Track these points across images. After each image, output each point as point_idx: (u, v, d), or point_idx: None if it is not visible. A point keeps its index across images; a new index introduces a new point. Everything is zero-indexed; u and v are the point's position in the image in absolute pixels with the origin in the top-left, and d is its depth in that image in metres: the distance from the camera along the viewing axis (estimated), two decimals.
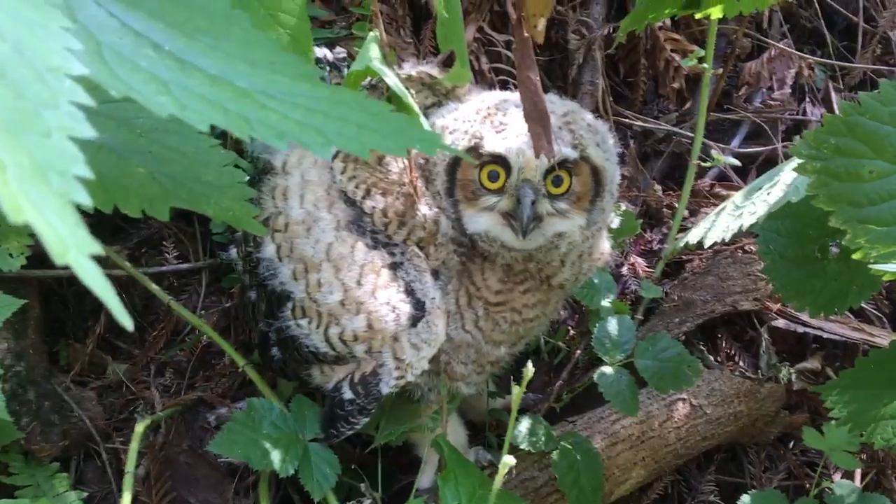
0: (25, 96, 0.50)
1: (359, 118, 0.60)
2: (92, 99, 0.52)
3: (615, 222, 1.52)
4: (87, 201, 0.48)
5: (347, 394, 1.38)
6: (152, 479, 1.67)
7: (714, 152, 2.11)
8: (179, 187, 0.88)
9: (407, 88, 1.19)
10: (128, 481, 1.51)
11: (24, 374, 1.67)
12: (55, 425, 1.68)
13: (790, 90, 2.46)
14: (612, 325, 1.66)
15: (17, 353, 1.68)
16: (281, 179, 1.41)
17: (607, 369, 1.60)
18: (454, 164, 1.30)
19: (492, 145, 1.26)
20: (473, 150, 1.28)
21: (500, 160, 1.26)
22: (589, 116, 1.35)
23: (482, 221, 1.30)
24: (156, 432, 1.74)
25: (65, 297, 1.90)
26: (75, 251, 0.44)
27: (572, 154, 1.26)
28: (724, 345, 2.01)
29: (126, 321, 0.47)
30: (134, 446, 1.57)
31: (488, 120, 1.29)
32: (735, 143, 2.43)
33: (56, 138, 0.49)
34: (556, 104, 1.33)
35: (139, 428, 1.61)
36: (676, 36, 2.39)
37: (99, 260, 0.46)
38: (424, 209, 1.32)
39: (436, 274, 1.35)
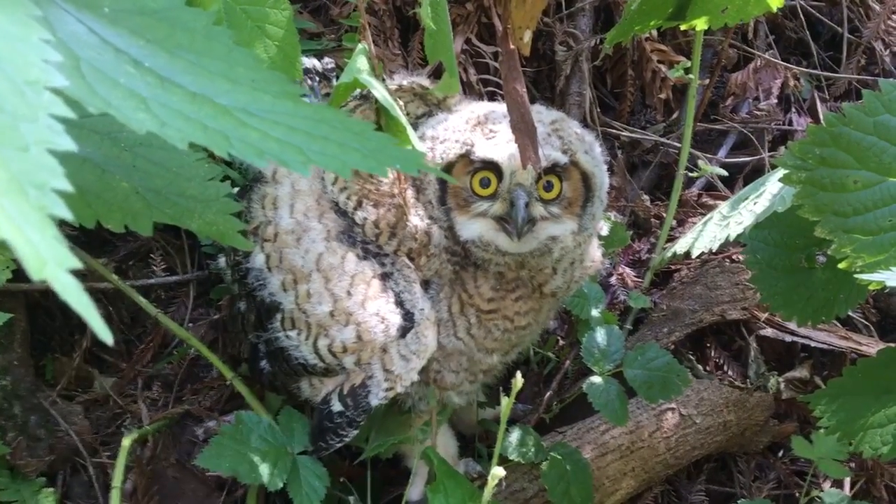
0: (3, 110, 0.49)
1: (340, 137, 0.60)
2: (74, 112, 0.52)
3: (604, 229, 1.53)
4: (66, 214, 0.47)
5: (336, 406, 1.38)
6: (139, 494, 1.65)
7: (701, 162, 2.12)
8: (163, 202, 0.87)
9: (397, 99, 1.19)
10: (115, 496, 1.50)
11: (9, 388, 1.66)
12: (41, 440, 1.67)
13: (776, 100, 2.48)
14: (601, 335, 1.66)
15: (2, 368, 1.67)
16: (271, 188, 1.41)
17: (596, 379, 1.60)
18: (445, 171, 1.31)
19: (483, 152, 1.27)
20: (465, 157, 1.29)
21: (491, 166, 1.27)
22: (576, 125, 1.37)
23: (475, 228, 1.30)
24: (143, 446, 1.73)
25: (51, 311, 1.88)
26: (53, 266, 0.44)
27: (562, 158, 1.28)
28: (712, 354, 2.01)
29: (106, 336, 0.46)
30: (121, 461, 1.55)
31: (479, 128, 1.30)
32: (722, 153, 2.44)
33: (34, 152, 0.48)
34: (543, 113, 1.35)
35: (126, 442, 1.59)
36: (663, 47, 2.41)
37: (84, 273, 0.46)
38: (415, 220, 1.32)
39: (426, 284, 1.35)
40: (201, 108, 0.56)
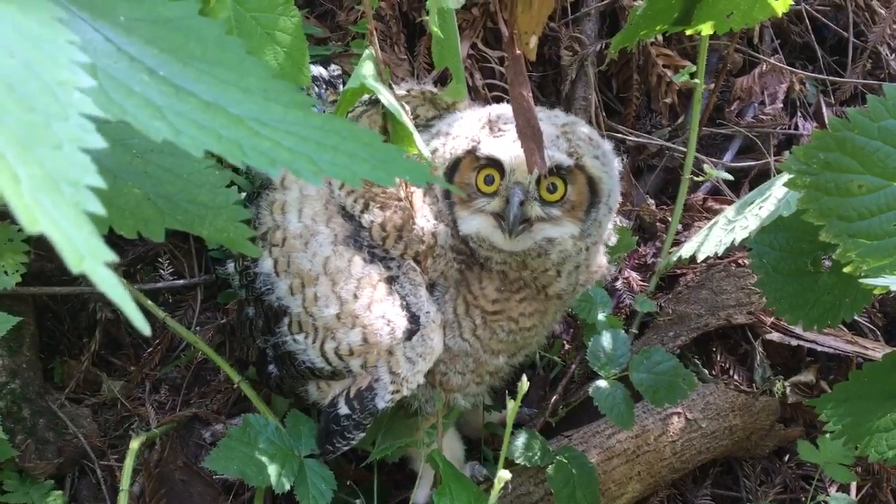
0: (36, 110, 0.51)
1: (350, 147, 0.61)
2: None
3: (612, 240, 1.51)
4: (99, 210, 0.49)
5: (343, 409, 1.39)
6: (147, 497, 1.67)
7: (707, 167, 2.12)
8: (174, 208, 0.88)
9: (404, 104, 1.20)
10: (123, 499, 1.51)
11: (18, 391, 1.68)
12: (50, 443, 1.68)
13: (782, 105, 2.48)
14: (607, 339, 1.66)
15: (11, 371, 1.68)
16: (279, 194, 1.42)
17: (602, 383, 1.60)
18: (453, 167, 1.32)
19: (487, 149, 1.28)
20: (471, 153, 1.30)
21: (495, 163, 1.28)
22: (589, 130, 1.37)
23: (474, 223, 1.31)
24: (151, 449, 1.74)
25: (60, 315, 1.90)
26: (91, 259, 0.45)
27: (566, 161, 1.28)
28: (718, 358, 2.01)
29: (143, 326, 0.48)
30: (129, 463, 1.56)
31: (488, 126, 1.32)
32: (727, 157, 2.45)
33: (67, 150, 0.50)
34: (559, 117, 1.36)
35: (134, 445, 1.61)
36: (668, 52, 2.41)
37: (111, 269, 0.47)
38: (422, 222, 1.33)
39: (432, 287, 1.36)
40: (215, 117, 0.57)
